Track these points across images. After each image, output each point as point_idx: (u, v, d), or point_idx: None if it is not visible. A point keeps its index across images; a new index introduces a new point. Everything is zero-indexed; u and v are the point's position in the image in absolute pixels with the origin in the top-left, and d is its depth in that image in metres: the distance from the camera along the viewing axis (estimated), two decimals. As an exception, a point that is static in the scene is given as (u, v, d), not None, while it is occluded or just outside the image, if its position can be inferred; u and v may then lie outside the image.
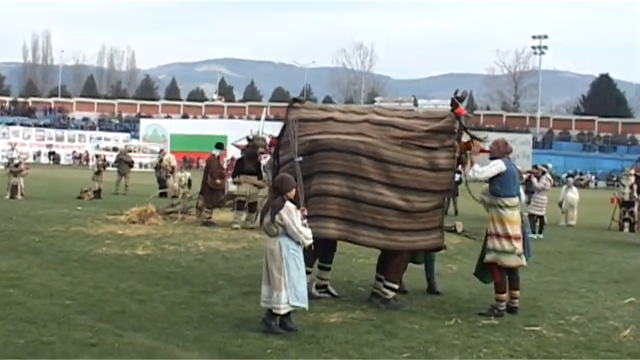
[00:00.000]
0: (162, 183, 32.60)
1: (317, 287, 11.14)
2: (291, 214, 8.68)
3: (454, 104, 10.65)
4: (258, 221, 20.54)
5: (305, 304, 8.85)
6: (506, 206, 10.35)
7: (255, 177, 20.67)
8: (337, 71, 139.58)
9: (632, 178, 25.00)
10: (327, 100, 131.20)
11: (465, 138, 10.69)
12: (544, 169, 22.45)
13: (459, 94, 10.83)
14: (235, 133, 29.89)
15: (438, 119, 10.83)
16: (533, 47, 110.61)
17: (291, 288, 8.64)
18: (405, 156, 10.47)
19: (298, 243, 8.78)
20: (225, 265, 13.75)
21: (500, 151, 10.72)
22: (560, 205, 26.26)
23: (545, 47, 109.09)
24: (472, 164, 10.47)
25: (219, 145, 22.35)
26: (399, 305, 10.51)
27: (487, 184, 10.52)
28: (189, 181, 30.62)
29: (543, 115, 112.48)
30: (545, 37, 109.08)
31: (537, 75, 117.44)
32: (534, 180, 21.60)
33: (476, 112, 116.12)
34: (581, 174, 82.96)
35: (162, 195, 27.98)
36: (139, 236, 17.16)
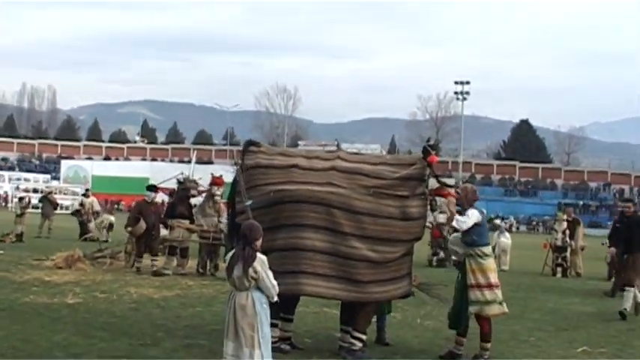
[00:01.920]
0: (83, 227, 31.67)
1: (282, 339, 10.61)
2: (265, 266, 8.09)
3: (426, 152, 10.50)
4: (189, 266, 20.10)
5: None
6: (485, 255, 10.34)
7: (188, 221, 20.12)
8: (260, 114, 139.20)
9: (565, 224, 25.07)
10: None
11: (434, 184, 10.57)
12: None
13: (431, 142, 10.83)
14: (159, 175, 29.33)
15: (406, 165, 10.61)
16: (456, 92, 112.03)
17: (265, 345, 8.05)
18: (376, 206, 10.17)
19: (267, 296, 8.21)
20: (161, 314, 13.11)
21: (468, 199, 10.62)
22: (493, 250, 26.15)
23: (468, 93, 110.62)
24: (453, 214, 10.31)
25: (151, 188, 20.90)
26: (365, 356, 10.19)
27: (457, 234, 10.41)
28: (111, 224, 29.82)
29: (465, 159, 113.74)
30: (468, 82, 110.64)
31: (458, 120, 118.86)
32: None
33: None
34: (503, 218, 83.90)
35: (85, 239, 27.16)
36: (67, 283, 16.42)
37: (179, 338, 10.93)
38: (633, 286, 15.41)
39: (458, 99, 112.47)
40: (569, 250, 24.95)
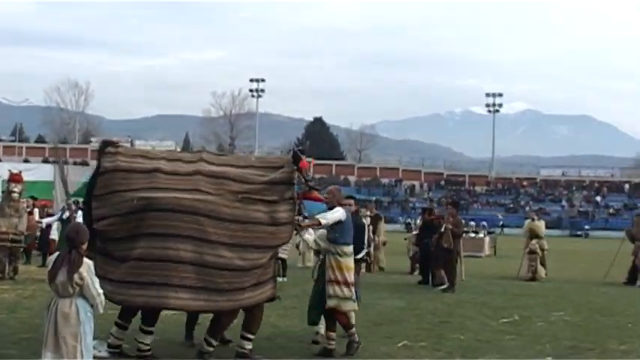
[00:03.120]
0: None
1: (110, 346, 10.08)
2: (91, 272, 7.57)
3: (297, 157, 10.37)
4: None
5: None
6: (344, 254, 10.57)
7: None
8: (50, 110, 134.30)
9: (369, 219, 25.51)
10: (40, 139, 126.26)
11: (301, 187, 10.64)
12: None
13: (301, 147, 10.81)
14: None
15: (274, 169, 10.38)
16: (251, 90, 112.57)
17: (88, 355, 7.55)
18: (244, 212, 9.88)
19: (92, 305, 7.66)
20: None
21: (336, 199, 10.93)
22: (298, 246, 26.30)
23: (263, 90, 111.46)
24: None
25: None
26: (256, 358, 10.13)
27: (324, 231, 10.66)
28: None
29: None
30: (263, 80, 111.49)
31: (253, 117, 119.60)
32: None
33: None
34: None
35: None
36: None
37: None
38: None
39: (253, 96, 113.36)
40: (372, 245, 25.44)
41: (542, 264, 24.45)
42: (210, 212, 9.73)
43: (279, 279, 19.74)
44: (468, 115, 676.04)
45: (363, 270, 24.56)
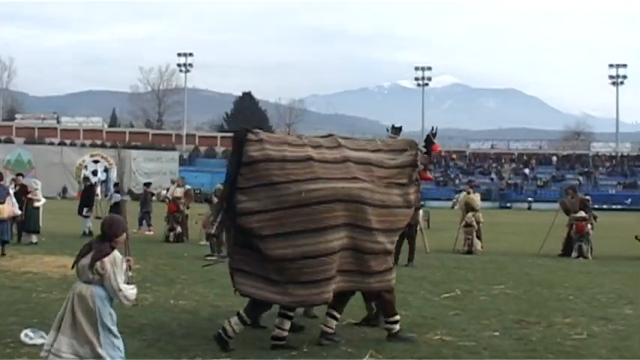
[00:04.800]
0: None
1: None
2: (116, 266, 7.36)
3: (429, 141, 10.82)
4: None
5: None
6: None
7: None
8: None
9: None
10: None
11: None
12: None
13: (434, 132, 10.98)
14: None
15: (399, 152, 10.43)
16: (179, 65, 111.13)
17: (106, 343, 7.35)
18: (389, 197, 9.93)
19: (112, 299, 7.47)
20: None
21: None
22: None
23: (191, 65, 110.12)
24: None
25: None
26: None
27: None
28: None
29: (189, 132, 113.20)
30: (191, 54, 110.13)
31: (181, 92, 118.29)
32: (215, 200, 20.92)
33: (120, 129, 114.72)
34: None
35: None
36: None
37: None
38: None
39: (181, 71, 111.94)
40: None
41: (479, 237, 24.40)
42: (370, 200, 9.69)
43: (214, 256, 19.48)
44: (397, 88, 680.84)
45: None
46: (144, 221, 29.94)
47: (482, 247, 24.21)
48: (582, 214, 23.31)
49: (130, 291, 7.49)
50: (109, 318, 7.39)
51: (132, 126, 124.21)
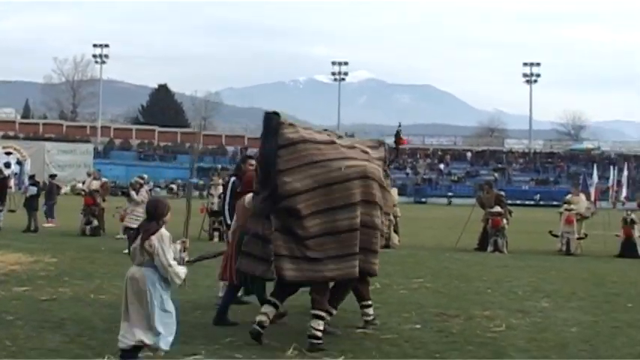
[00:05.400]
0: None
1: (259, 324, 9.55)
2: (163, 242, 7.60)
3: (397, 136, 11.74)
4: None
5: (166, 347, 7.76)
6: None
7: None
8: None
9: (221, 188, 25.07)
10: None
11: None
12: (141, 180, 21.58)
13: (400, 128, 11.76)
14: None
15: (374, 147, 10.96)
16: (94, 56, 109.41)
17: (160, 326, 7.62)
18: (382, 180, 10.28)
19: (166, 280, 7.68)
20: None
21: None
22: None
23: (107, 56, 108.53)
24: None
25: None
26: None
27: None
28: None
29: (104, 124, 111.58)
30: (107, 45, 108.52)
31: (96, 84, 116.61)
32: (133, 193, 20.66)
33: (34, 121, 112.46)
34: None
35: None
36: None
37: None
38: None
39: (96, 62, 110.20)
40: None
41: (396, 231, 24.61)
42: (378, 179, 10.04)
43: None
44: (312, 83, 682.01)
45: (217, 239, 24.30)
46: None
47: (399, 241, 24.43)
48: (498, 209, 23.71)
49: (181, 269, 7.71)
50: (159, 299, 7.61)
51: (45, 117, 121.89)
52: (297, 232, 9.32)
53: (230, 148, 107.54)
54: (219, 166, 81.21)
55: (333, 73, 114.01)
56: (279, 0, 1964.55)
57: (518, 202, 70.52)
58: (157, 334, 7.60)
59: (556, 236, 24.75)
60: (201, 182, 69.74)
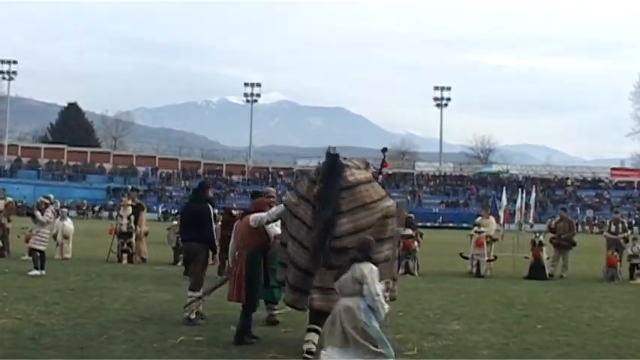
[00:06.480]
0: None
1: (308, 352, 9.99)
2: (374, 275, 8.68)
3: (383, 159, 12.54)
4: None
5: None
6: None
7: None
8: None
9: (130, 209, 24.65)
10: None
11: None
12: (46, 201, 20.96)
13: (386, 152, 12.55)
14: None
15: (364, 169, 11.26)
16: (2, 72, 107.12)
17: (382, 348, 8.57)
18: None
19: (372, 311, 8.63)
20: None
21: None
22: (55, 237, 24.83)
23: (15, 72, 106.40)
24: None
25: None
26: None
27: None
28: None
29: (11, 142, 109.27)
30: (15, 62, 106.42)
31: (4, 101, 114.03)
32: (37, 213, 20.04)
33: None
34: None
35: None
36: None
37: None
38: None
39: (4, 79, 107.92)
40: (134, 235, 24.57)
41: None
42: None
43: (37, 272, 18.72)
44: (225, 104, 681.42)
45: (125, 261, 23.81)
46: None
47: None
48: (409, 231, 23.79)
49: (385, 301, 8.74)
50: (372, 327, 8.58)
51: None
52: (337, 266, 9.64)
53: (141, 169, 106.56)
54: (130, 186, 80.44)
55: (246, 94, 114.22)
56: (194, 19, 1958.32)
57: (428, 224, 71.24)
58: (379, 353, 8.55)
59: (466, 258, 24.92)
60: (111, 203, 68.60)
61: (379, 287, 8.63)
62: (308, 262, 10.08)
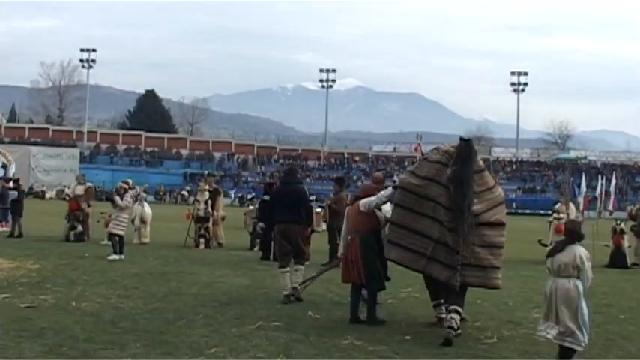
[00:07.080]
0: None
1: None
2: (588, 260, 9.33)
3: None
4: None
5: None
6: None
7: None
8: None
9: (207, 194, 24.77)
10: None
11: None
12: (125, 186, 21.21)
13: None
14: None
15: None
16: (82, 60, 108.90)
17: (584, 329, 9.14)
18: None
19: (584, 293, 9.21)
20: None
21: None
22: (133, 221, 25.12)
23: (94, 61, 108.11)
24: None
25: None
26: None
27: None
28: None
29: (90, 129, 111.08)
30: (94, 50, 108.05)
31: (83, 89, 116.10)
32: (117, 198, 20.28)
33: (20, 125, 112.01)
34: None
35: None
36: None
37: None
38: None
39: (84, 67, 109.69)
40: (211, 220, 24.71)
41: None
42: None
43: (116, 256, 18.97)
44: (300, 90, 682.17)
45: (202, 246, 23.98)
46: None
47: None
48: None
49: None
50: (583, 307, 9.11)
51: (32, 122, 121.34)
52: (474, 242, 10.77)
53: (217, 154, 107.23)
54: (207, 172, 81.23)
55: (321, 80, 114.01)
56: (268, 7, 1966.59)
57: (506, 211, 70.21)
58: (583, 334, 9.09)
59: (545, 245, 24.42)
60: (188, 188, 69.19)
61: (590, 269, 9.28)
62: (452, 239, 10.70)
